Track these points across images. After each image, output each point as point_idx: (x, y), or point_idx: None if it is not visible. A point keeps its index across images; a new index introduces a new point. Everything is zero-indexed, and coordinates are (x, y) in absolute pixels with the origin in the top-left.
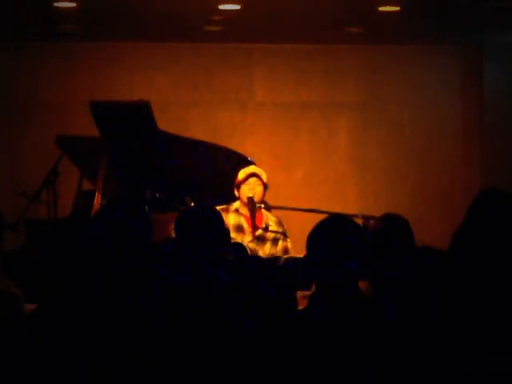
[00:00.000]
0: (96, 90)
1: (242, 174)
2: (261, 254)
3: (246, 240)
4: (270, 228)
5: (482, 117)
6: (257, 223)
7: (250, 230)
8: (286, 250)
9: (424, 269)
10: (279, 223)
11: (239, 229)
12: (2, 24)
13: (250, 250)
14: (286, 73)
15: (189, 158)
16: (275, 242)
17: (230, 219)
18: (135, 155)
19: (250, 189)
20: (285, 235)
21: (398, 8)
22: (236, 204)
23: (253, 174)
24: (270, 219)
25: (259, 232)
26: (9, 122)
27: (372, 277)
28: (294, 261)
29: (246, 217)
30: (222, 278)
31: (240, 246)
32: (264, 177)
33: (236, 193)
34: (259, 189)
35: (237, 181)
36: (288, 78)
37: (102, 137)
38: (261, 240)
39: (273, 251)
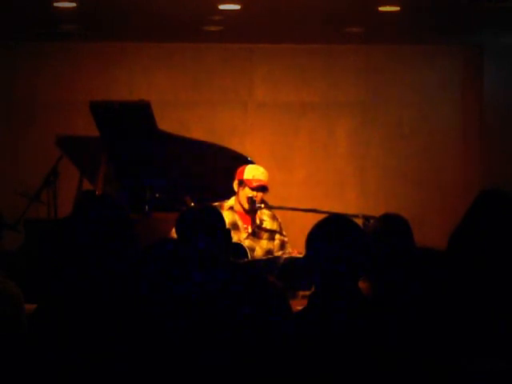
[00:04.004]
0: (96, 90)
1: (248, 175)
2: (258, 249)
3: (242, 237)
4: (265, 222)
5: (482, 117)
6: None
7: (245, 226)
8: (282, 245)
9: (423, 269)
10: (273, 217)
11: (234, 226)
12: (2, 24)
13: (247, 247)
14: (286, 73)
15: (189, 158)
16: (271, 238)
17: (225, 217)
18: (135, 155)
19: (253, 195)
20: (281, 232)
21: (398, 8)
22: (230, 201)
23: (261, 188)
24: (263, 213)
25: (254, 229)
26: (9, 122)
27: (372, 277)
28: (293, 261)
29: (240, 214)
30: (222, 278)
31: (239, 247)
32: (268, 181)
33: (235, 187)
34: (261, 195)
35: (241, 177)
36: (288, 78)
37: (101, 137)
38: (256, 236)
39: (270, 246)
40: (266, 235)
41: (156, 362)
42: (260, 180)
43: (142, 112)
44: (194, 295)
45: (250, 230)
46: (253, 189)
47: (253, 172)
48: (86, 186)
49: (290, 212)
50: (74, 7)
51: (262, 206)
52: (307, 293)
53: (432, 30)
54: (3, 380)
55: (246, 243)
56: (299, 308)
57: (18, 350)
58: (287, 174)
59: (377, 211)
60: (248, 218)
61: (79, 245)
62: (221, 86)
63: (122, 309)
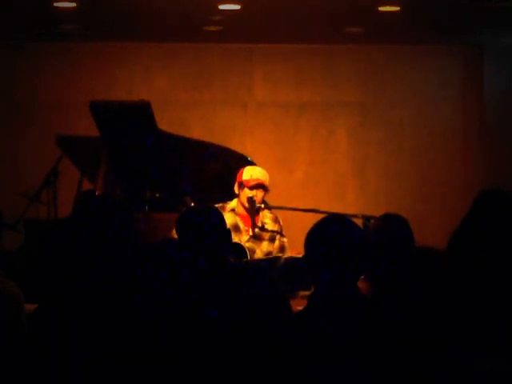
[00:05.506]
0: (96, 90)
1: (247, 175)
2: (258, 252)
3: (243, 239)
4: (267, 225)
5: (482, 117)
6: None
7: (246, 229)
8: (282, 248)
9: (423, 269)
10: (275, 220)
11: (236, 228)
12: (2, 24)
13: (248, 249)
14: (286, 73)
15: (189, 158)
16: (272, 239)
17: (226, 218)
18: (135, 155)
19: (252, 194)
20: (281, 233)
21: (398, 8)
22: (232, 203)
23: (259, 186)
24: (265, 216)
25: (256, 231)
26: (9, 122)
27: (372, 277)
28: (293, 261)
29: (241, 216)
30: (222, 279)
31: (239, 247)
32: (267, 181)
33: (236, 189)
34: (261, 195)
35: (240, 179)
36: (288, 78)
37: (101, 137)
38: (257, 239)
39: (270, 249)
40: (267, 236)
41: (156, 362)
42: (258, 179)
43: (142, 112)
44: (194, 295)
45: (251, 233)
46: (251, 187)
47: (250, 172)
48: (86, 185)
49: (290, 212)
50: (73, 7)
51: (262, 206)
52: (307, 293)
53: (432, 30)
54: (3, 380)
55: (247, 245)
56: (299, 308)
57: (18, 349)
58: (287, 174)
59: (377, 211)
60: (249, 220)
61: (79, 245)
62: (221, 86)
63: (122, 309)
